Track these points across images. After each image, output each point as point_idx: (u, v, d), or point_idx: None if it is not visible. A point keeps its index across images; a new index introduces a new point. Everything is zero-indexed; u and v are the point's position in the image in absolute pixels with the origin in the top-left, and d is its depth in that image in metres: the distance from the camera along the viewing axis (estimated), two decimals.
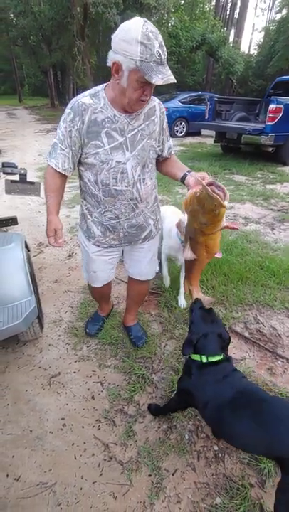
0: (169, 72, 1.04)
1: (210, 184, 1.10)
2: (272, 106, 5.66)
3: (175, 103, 10.49)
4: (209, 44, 15.71)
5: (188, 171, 1.34)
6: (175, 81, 1.03)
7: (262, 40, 27.76)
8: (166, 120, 1.32)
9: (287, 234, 3.29)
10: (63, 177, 1.27)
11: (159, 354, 1.79)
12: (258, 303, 2.15)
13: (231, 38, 20.54)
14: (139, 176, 1.26)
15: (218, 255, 1.40)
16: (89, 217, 1.38)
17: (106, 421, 1.46)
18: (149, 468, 1.27)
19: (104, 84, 1.19)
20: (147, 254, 1.53)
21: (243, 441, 1.04)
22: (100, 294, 1.79)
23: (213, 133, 7.39)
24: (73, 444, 1.36)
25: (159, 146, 1.31)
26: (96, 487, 1.22)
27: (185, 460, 1.31)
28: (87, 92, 1.19)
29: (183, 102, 10.65)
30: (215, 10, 23.32)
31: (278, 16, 25.31)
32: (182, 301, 2.12)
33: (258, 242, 3.01)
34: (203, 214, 1.14)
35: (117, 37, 1.01)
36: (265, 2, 31.90)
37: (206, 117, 7.07)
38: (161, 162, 1.41)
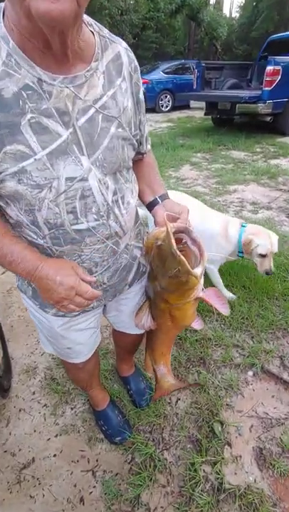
0: None
1: (180, 231, 0.68)
2: (269, 68, 4.97)
3: (158, 74, 9.59)
4: (190, 6, 14.41)
5: (162, 196, 0.84)
6: None
7: (244, 0, 26.05)
8: (141, 81, 0.74)
9: None
10: None
11: (170, 416, 1.30)
12: None
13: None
14: (114, 193, 0.69)
15: (197, 326, 0.92)
16: None
17: None
18: None
19: None
20: (134, 299, 0.99)
21: None
22: (86, 374, 1.13)
23: (203, 104, 6.67)
24: None
25: (136, 136, 0.74)
26: None
27: None
28: None
29: (166, 73, 9.74)
30: None
31: None
32: (228, 294, 1.80)
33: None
34: (164, 276, 0.70)
35: None
36: None
37: (195, 87, 6.33)
38: None
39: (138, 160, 0.87)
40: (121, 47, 0.68)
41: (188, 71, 9.78)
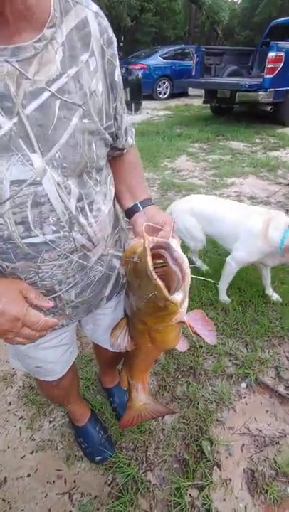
0: None
1: (160, 247, 0.55)
2: (271, 54, 4.77)
3: (156, 59, 9.27)
4: None
5: (143, 202, 0.71)
6: None
7: None
8: (117, 58, 0.60)
9: None
10: None
11: (156, 432, 1.20)
12: None
13: None
14: (79, 199, 0.56)
15: (181, 348, 0.81)
16: None
17: None
18: None
19: None
20: (113, 314, 0.87)
21: None
22: (62, 391, 1.01)
23: (202, 92, 6.44)
24: None
25: (109, 128, 0.60)
26: None
27: None
28: None
29: (165, 58, 9.42)
30: None
31: None
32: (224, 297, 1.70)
33: None
34: (140, 297, 0.57)
35: None
36: None
37: (193, 73, 6.09)
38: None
39: (117, 157, 0.73)
40: (89, 10, 0.53)
41: (188, 56, 9.47)
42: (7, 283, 0.55)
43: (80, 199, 0.56)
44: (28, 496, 1.07)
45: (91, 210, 0.59)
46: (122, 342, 0.76)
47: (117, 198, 0.74)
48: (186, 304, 0.60)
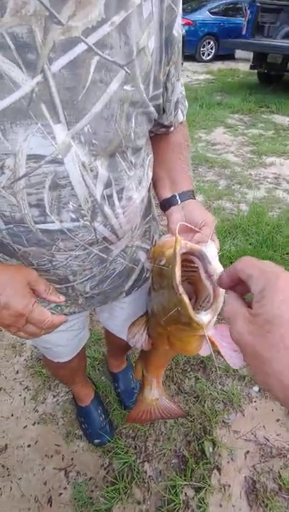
0: None
1: (193, 254, 0.44)
2: None
3: (204, 14, 8.37)
4: None
5: (183, 194, 0.58)
6: None
7: None
8: (180, 6, 0.44)
9: None
10: None
11: (158, 423, 1.17)
12: None
13: None
14: (107, 185, 0.46)
15: (203, 353, 0.70)
16: None
17: None
18: None
19: None
20: (131, 307, 0.79)
21: None
22: (68, 371, 0.99)
23: (250, 56, 5.80)
24: None
25: (156, 99, 0.48)
26: None
27: None
28: None
29: (214, 13, 8.48)
30: None
31: None
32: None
33: None
34: (162, 305, 0.49)
35: None
36: None
37: (244, 32, 5.45)
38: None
39: (161, 135, 0.60)
40: None
41: (240, 13, 8.47)
42: (14, 271, 0.47)
43: (108, 185, 0.46)
44: (27, 466, 1.09)
45: (120, 199, 0.49)
46: (139, 340, 0.70)
47: (154, 184, 0.62)
48: (214, 320, 0.51)
